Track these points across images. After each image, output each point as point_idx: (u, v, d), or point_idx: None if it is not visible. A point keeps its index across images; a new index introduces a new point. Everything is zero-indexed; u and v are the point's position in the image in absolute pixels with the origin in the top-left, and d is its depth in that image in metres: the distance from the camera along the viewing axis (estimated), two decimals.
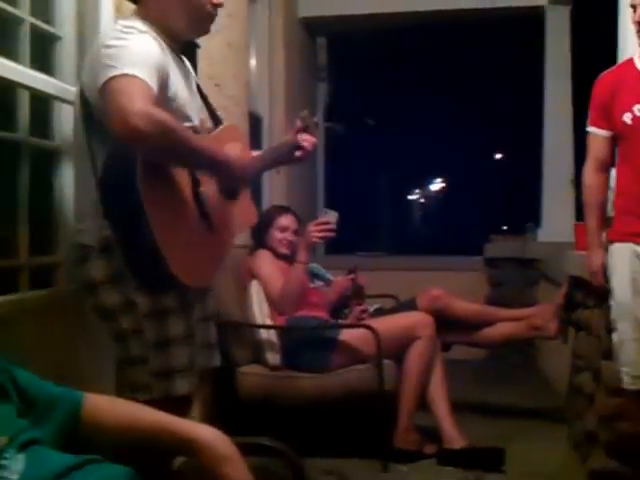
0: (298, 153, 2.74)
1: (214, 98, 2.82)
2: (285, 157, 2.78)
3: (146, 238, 2.06)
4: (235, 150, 2.47)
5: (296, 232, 4.14)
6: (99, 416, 1.47)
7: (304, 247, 3.84)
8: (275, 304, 3.93)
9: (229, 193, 2.45)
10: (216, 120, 2.60)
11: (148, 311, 2.24)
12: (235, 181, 2.42)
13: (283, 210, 4.30)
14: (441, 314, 4.15)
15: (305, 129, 2.76)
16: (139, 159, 2.04)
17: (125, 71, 2.01)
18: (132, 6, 2.38)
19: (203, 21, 2.40)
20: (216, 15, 2.41)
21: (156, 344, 2.26)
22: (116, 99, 1.97)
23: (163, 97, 2.18)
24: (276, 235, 4.16)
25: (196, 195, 2.28)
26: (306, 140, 2.74)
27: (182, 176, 2.23)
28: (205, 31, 2.46)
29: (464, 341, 4.41)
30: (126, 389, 2.28)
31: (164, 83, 2.19)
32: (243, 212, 2.61)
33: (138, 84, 2.01)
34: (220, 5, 2.39)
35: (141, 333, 2.25)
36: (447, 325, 4.18)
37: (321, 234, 3.77)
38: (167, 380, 2.29)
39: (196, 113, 2.44)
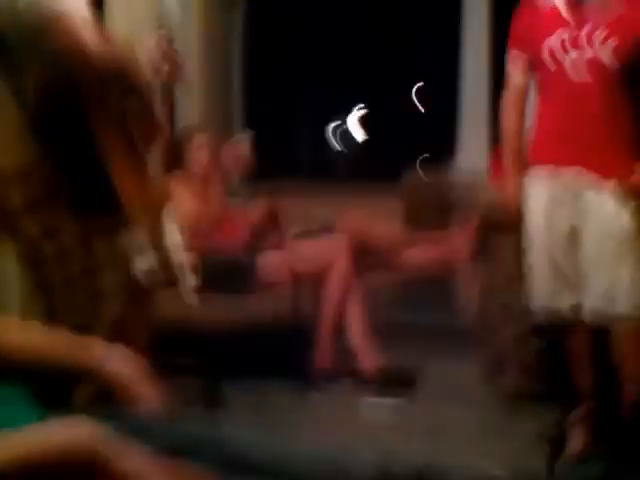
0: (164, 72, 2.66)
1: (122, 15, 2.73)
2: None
3: (94, 155, 2.05)
4: None
5: (212, 153, 4.07)
6: None
7: (220, 171, 3.80)
8: (191, 229, 3.88)
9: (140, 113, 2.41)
10: None
11: (76, 236, 2.20)
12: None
13: (198, 130, 4.22)
14: (361, 239, 4.18)
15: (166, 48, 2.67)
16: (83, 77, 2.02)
17: None
18: None
19: None
20: None
21: (84, 269, 2.23)
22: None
23: None
24: (192, 156, 4.08)
25: (122, 118, 2.26)
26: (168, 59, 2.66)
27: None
28: None
29: (381, 266, 4.46)
30: (46, 316, 2.24)
31: None
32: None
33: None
34: None
35: (67, 259, 2.21)
36: (366, 250, 4.21)
37: (236, 158, 3.74)
38: (96, 305, 2.27)
39: None
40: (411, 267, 4.61)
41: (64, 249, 2.20)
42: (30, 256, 2.23)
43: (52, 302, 2.25)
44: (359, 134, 10.77)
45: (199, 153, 4.06)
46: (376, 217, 4.47)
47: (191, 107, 5.48)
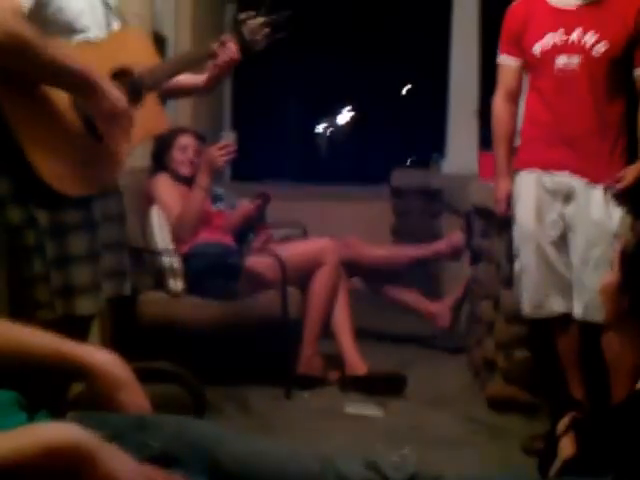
0: (218, 62, 2.62)
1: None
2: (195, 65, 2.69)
3: (11, 147, 2.11)
4: (138, 55, 2.46)
5: (197, 152, 4.01)
6: None
7: (204, 170, 3.76)
8: (174, 229, 3.83)
9: (132, 98, 2.37)
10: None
11: (48, 227, 2.22)
12: (94, 94, 2.27)
13: (183, 130, 4.16)
14: (350, 261, 4.23)
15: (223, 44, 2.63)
16: None
17: None
18: None
19: None
20: None
21: (56, 261, 2.24)
22: None
23: (40, 8, 2.16)
24: (176, 156, 4.00)
25: (75, 105, 2.25)
26: (226, 49, 2.60)
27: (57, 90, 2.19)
28: None
29: (369, 288, 4.58)
30: (28, 307, 2.24)
31: None
32: (151, 117, 2.52)
33: None
34: None
35: (42, 249, 2.22)
36: (356, 269, 4.38)
37: (222, 155, 3.70)
38: (68, 298, 2.27)
39: (97, 23, 2.36)
40: (393, 304, 4.73)
41: (40, 238, 2.20)
42: (15, 246, 2.22)
43: (27, 295, 2.24)
44: (346, 139, 10.73)
45: (184, 153, 4.01)
46: (364, 220, 4.50)
47: (177, 108, 5.45)
